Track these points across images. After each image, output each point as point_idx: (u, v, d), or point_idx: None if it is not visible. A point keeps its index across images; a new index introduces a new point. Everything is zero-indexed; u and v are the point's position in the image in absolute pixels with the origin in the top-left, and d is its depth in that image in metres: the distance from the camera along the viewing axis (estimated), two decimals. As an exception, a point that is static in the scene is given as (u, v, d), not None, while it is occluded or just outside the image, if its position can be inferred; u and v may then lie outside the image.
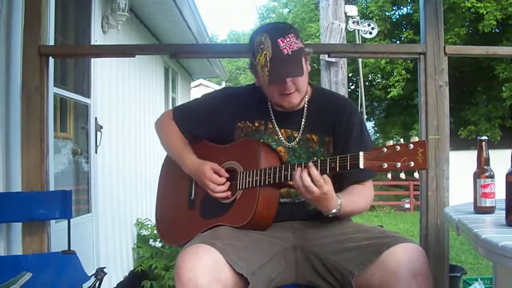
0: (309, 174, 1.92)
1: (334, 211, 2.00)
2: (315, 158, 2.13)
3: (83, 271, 2.94)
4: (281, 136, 2.23)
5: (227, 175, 2.19)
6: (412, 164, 1.78)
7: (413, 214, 14.76)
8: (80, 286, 2.91)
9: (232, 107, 2.29)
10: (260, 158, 2.13)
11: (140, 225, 6.21)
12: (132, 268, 5.96)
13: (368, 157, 1.86)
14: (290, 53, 2.03)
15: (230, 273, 1.86)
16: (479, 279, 4.38)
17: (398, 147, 1.81)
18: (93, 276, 2.57)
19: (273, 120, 2.24)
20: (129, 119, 6.05)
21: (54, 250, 3.31)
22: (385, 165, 1.82)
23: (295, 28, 2.17)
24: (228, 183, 2.19)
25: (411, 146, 1.79)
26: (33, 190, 3.23)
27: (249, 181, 2.11)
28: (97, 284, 2.57)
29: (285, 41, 2.03)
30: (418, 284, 1.80)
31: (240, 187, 2.14)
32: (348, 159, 1.88)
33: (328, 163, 1.93)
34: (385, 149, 1.83)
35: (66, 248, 3.12)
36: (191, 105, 2.49)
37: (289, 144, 2.22)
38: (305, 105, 2.22)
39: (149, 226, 6.20)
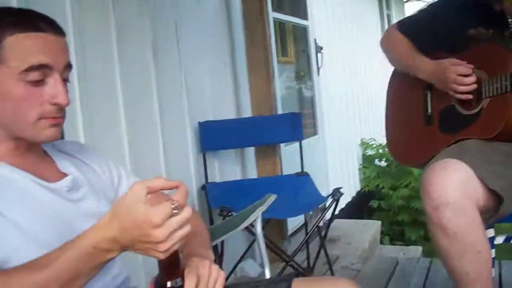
0: None
1: None
2: None
3: (318, 192, 2.96)
4: None
5: (471, 65, 1.97)
6: None
7: None
8: (316, 206, 2.94)
9: (464, 14, 2.06)
10: (509, 61, 1.88)
11: (365, 145, 6.16)
12: (359, 189, 5.98)
13: None
14: None
15: (481, 189, 1.70)
16: None
17: None
18: (329, 197, 2.55)
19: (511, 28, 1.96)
20: (346, 38, 5.93)
21: (286, 173, 3.39)
22: None
23: None
24: (475, 76, 1.97)
25: None
26: (262, 114, 3.31)
27: (497, 87, 1.88)
28: (333, 205, 2.55)
29: None
30: None
31: (487, 95, 1.92)
32: None
33: None
34: None
35: (299, 170, 3.16)
36: (419, 16, 2.30)
37: None
38: None
39: (374, 146, 6.13)
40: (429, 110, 2.15)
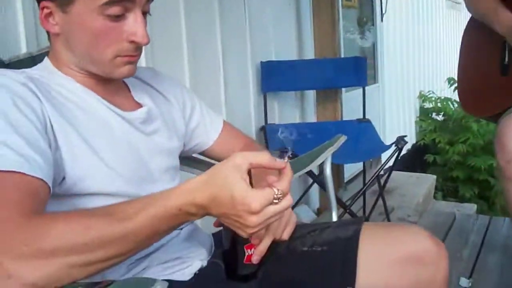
0: None
1: None
2: None
3: (380, 139, 2.87)
4: None
5: None
6: None
7: None
8: (379, 154, 2.86)
9: None
10: None
11: (423, 98, 6.00)
12: (414, 141, 5.86)
13: None
14: None
15: None
16: None
17: None
18: (393, 145, 2.47)
19: None
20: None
21: (346, 119, 3.31)
22: None
23: None
24: None
25: None
26: (326, 57, 3.22)
27: None
28: (396, 154, 2.46)
29: None
30: None
31: None
32: None
33: None
34: None
35: (358, 117, 3.07)
36: None
37: None
38: None
39: (433, 99, 5.97)
40: (506, 60, 2.04)
